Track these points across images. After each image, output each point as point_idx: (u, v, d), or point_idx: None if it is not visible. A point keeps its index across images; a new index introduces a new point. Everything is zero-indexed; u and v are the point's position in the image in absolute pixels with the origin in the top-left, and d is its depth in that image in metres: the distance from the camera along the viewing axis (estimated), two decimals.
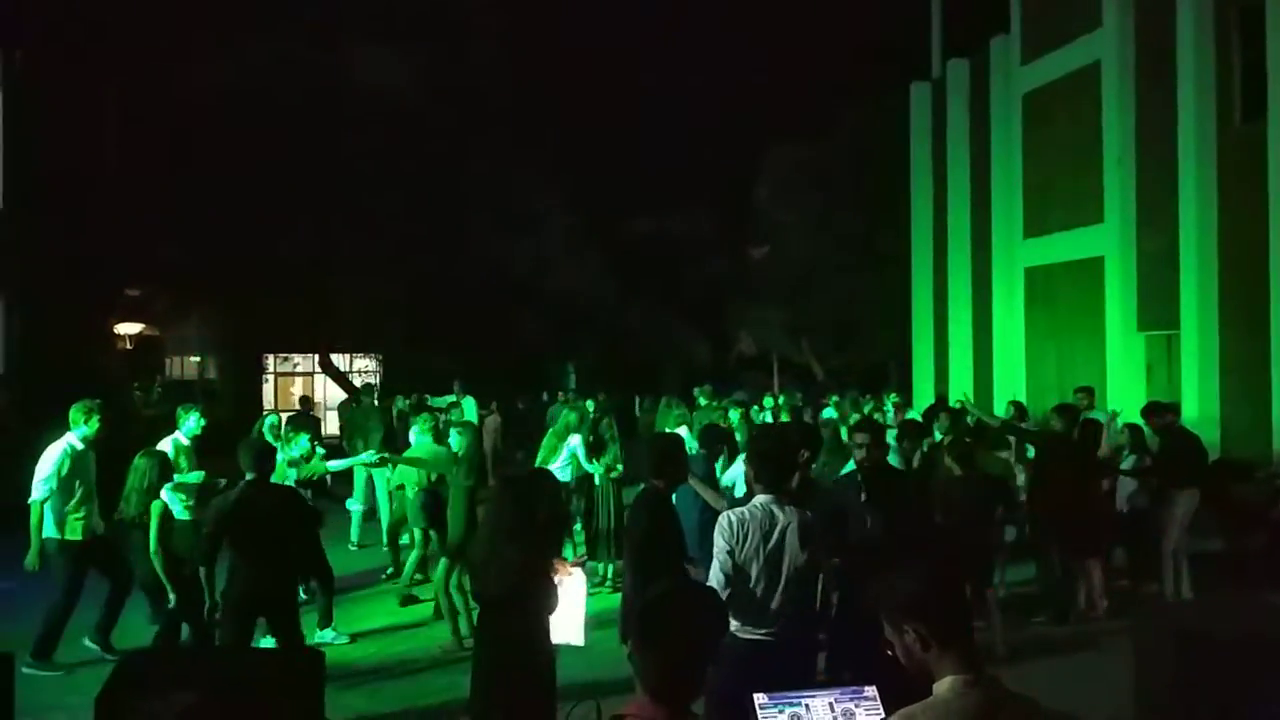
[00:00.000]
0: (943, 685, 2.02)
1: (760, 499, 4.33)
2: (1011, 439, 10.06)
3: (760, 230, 25.31)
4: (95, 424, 7.03)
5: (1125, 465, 9.01)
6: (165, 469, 6.89)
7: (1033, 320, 17.80)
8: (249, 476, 5.93)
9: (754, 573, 4.20)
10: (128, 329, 16.86)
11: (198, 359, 21.94)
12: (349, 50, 18.09)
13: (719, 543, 4.25)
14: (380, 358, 20.45)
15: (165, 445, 7.54)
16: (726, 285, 24.88)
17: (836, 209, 21.91)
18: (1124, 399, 13.84)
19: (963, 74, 19.73)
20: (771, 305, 23.35)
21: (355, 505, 11.23)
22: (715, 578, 4.15)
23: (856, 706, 2.23)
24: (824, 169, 22.18)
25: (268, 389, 22.98)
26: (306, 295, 19.34)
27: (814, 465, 6.56)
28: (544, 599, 4.55)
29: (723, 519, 4.33)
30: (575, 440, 9.82)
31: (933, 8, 21.19)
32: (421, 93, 18.31)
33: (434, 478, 8.33)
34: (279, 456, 7.29)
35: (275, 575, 5.83)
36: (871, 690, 3.03)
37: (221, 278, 18.04)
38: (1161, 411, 9.15)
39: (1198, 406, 13.60)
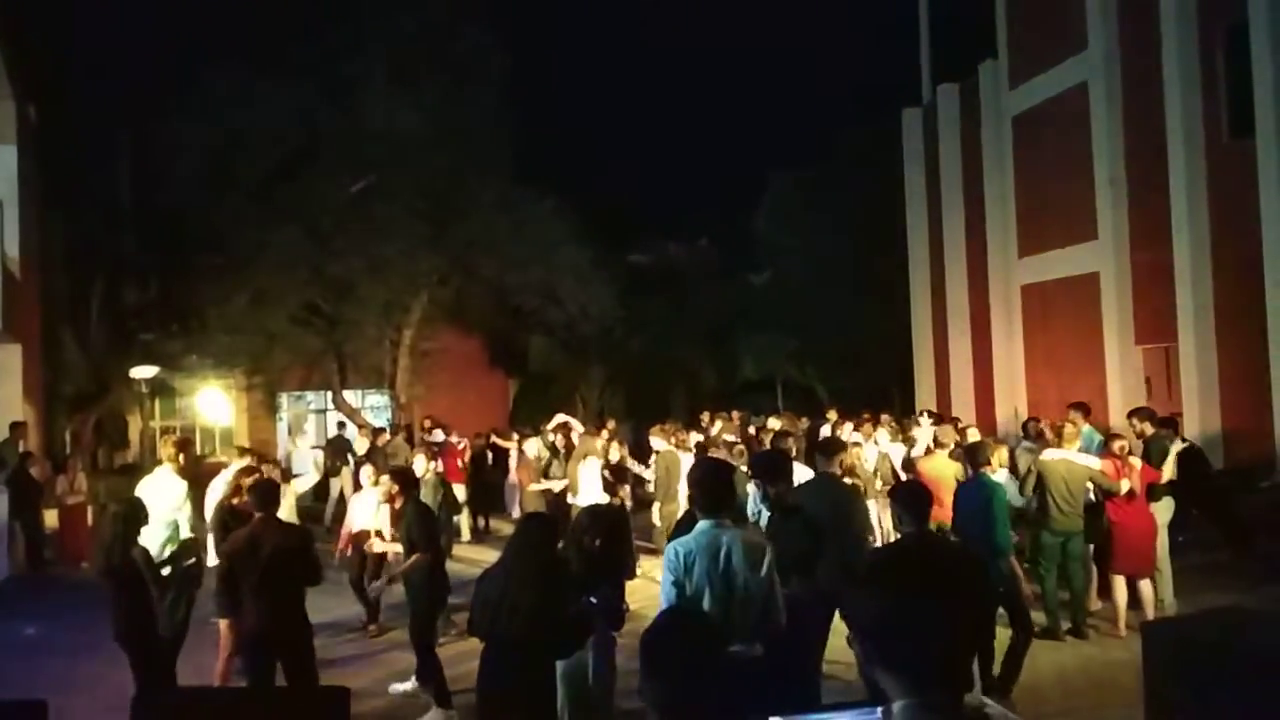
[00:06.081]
0: (895, 707, 2.01)
1: (703, 524, 4.42)
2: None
3: (761, 257, 25.72)
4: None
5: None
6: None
7: (1031, 337, 18.01)
8: (257, 514, 6.03)
9: (707, 597, 4.26)
10: (142, 373, 17.11)
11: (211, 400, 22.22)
12: (353, 91, 18.47)
13: (665, 575, 4.34)
14: (393, 394, 20.67)
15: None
16: (729, 311, 25.22)
17: (834, 234, 22.23)
18: (1125, 413, 14.01)
19: (952, 99, 20.08)
20: (773, 330, 23.64)
21: None
22: (663, 605, 4.24)
23: None
24: (821, 195, 22.54)
25: (281, 427, 23.22)
26: (319, 333, 19.63)
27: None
28: (554, 645, 4.60)
29: (668, 550, 4.43)
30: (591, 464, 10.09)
31: (922, 35, 21.60)
32: (426, 130, 18.66)
33: None
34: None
35: (284, 614, 5.79)
36: (879, 712, 3.16)
37: (235, 319, 18.35)
38: (1141, 418, 9.25)
39: (1198, 418, 13.76)
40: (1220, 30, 13.94)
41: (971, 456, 7.46)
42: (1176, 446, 9.11)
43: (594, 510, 6.41)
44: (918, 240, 21.08)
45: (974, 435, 10.70)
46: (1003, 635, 6.68)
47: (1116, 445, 8.38)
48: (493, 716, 4.67)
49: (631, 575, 7.44)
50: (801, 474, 7.62)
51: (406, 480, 7.51)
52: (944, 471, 8.78)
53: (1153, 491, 8.52)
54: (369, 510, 8.81)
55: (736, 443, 11.07)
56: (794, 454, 8.56)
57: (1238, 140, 13.65)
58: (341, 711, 4.77)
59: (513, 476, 14.72)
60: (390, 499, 7.63)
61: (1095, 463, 8.21)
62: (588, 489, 10.40)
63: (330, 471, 15.04)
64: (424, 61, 18.98)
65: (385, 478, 7.85)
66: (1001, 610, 6.78)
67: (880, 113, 21.81)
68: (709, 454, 9.54)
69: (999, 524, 6.81)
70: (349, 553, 9.17)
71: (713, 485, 4.60)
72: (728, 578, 4.26)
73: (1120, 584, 8.17)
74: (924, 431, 11.32)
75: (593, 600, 5.04)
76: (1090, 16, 15.92)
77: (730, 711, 2.34)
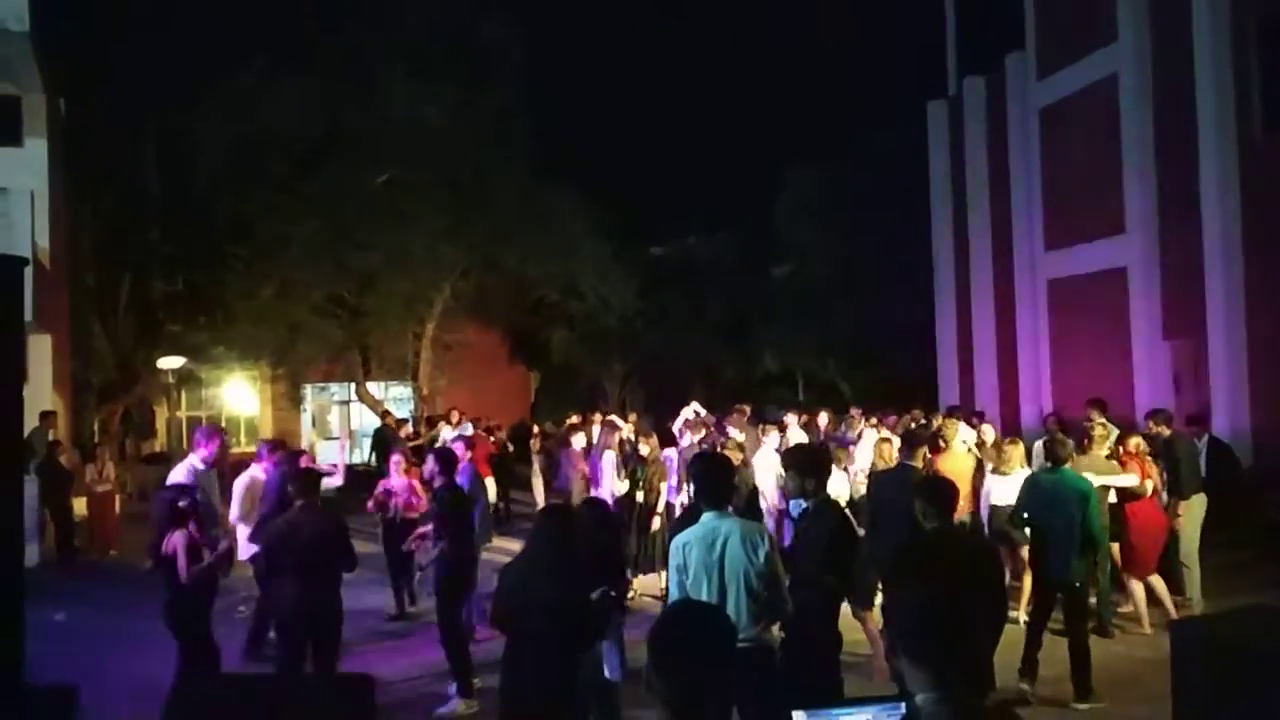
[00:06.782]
0: (918, 700, 2.06)
1: (705, 515, 4.53)
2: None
3: (782, 250, 25.64)
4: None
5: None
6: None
7: (1057, 332, 17.81)
8: (298, 502, 6.19)
9: (704, 586, 4.38)
10: (169, 363, 17.29)
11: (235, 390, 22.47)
12: (374, 85, 18.58)
13: (670, 569, 4.56)
14: (415, 386, 20.82)
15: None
16: (751, 305, 25.18)
17: (856, 227, 22.11)
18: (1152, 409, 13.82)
19: (979, 91, 19.85)
20: (795, 324, 23.56)
21: None
22: (670, 599, 4.40)
23: None
24: (843, 188, 22.41)
25: (306, 418, 23.45)
26: (343, 325, 19.80)
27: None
28: (577, 635, 4.62)
29: (671, 544, 4.64)
30: (609, 457, 10.12)
31: (948, 26, 21.38)
32: (447, 124, 18.75)
33: None
34: None
35: (319, 598, 5.97)
36: (903, 706, 3.11)
37: (260, 311, 18.53)
38: (1158, 421, 9.14)
39: (1228, 414, 13.56)
40: (1253, 21, 13.68)
41: (1051, 453, 7.13)
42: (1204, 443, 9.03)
43: (591, 503, 6.49)
44: (942, 234, 20.89)
45: (989, 431, 10.62)
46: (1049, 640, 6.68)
47: (1132, 443, 8.30)
48: (515, 708, 4.67)
49: (626, 568, 7.56)
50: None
51: (445, 462, 7.29)
52: (960, 468, 8.74)
53: (1181, 489, 8.44)
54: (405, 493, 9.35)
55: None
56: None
57: (1271, 133, 13.42)
58: (367, 700, 4.82)
59: (536, 468, 14.99)
60: (428, 481, 7.67)
61: (1122, 480, 8.10)
62: (606, 482, 10.42)
63: (380, 458, 15.23)
64: (444, 56, 19.06)
65: (430, 457, 7.71)
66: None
67: (905, 105, 21.65)
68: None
69: (1095, 522, 6.81)
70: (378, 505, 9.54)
71: (712, 477, 4.68)
72: (724, 566, 4.37)
73: (1138, 582, 8.11)
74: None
75: (612, 593, 5.05)
76: (1120, 7, 15.67)
77: (742, 703, 2.30)
